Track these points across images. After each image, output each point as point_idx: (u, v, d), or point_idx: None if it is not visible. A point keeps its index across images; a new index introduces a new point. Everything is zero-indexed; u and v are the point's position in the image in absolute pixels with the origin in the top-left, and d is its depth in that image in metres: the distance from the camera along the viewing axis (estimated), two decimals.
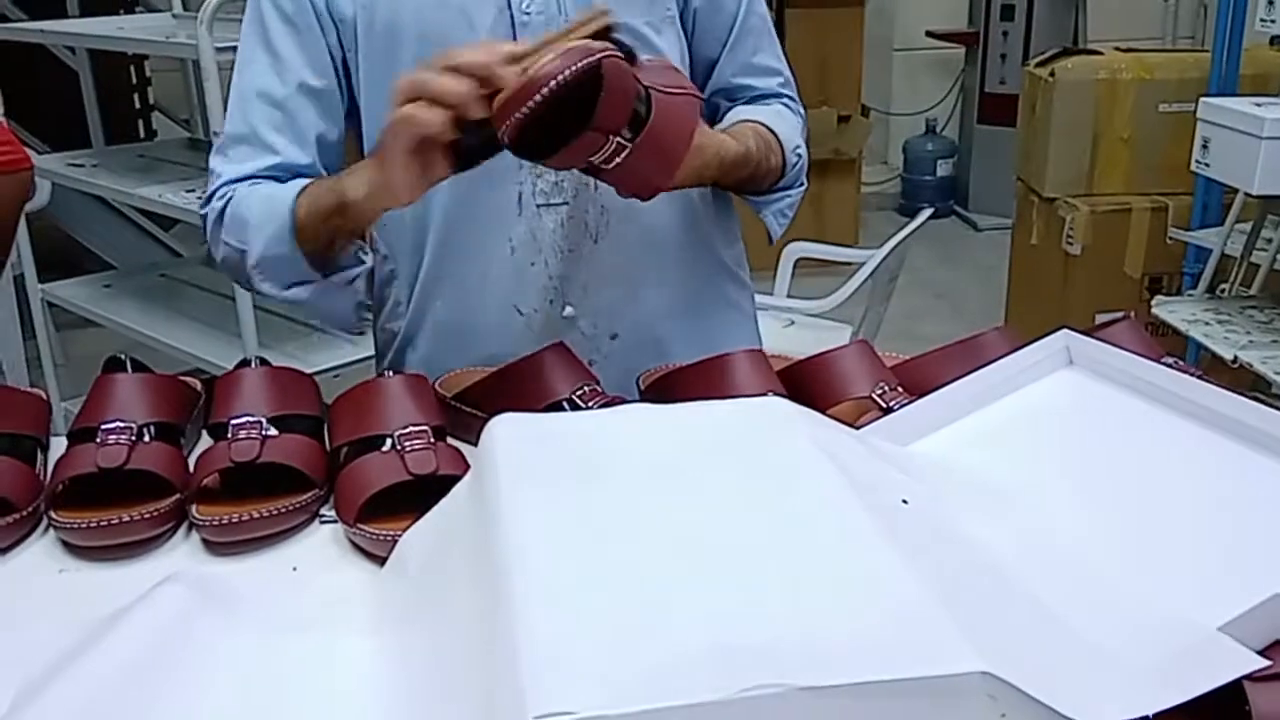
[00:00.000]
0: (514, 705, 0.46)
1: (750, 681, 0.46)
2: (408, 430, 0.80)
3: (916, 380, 0.89)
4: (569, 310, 1.06)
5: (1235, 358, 1.62)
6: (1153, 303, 1.93)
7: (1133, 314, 0.92)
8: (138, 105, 4.20)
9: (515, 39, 0.97)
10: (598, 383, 0.89)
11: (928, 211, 2.49)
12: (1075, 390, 0.83)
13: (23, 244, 2.41)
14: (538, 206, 1.03)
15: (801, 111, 1.16)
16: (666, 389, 0.89)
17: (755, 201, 1.10)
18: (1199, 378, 0.88)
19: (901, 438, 0.81)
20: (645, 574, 0.55)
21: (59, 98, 3.59)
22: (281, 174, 1.01)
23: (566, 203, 1.03)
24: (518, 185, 1.02)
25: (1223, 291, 2.01)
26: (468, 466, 0.78)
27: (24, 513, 0.79)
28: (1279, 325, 1.79)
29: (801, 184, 1.12)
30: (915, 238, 2.38)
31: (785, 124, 1.09)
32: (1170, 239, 2.39)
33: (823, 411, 0.87)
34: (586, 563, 0.56)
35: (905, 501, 0.68)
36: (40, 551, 0.79)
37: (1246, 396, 0.74)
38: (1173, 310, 1.86)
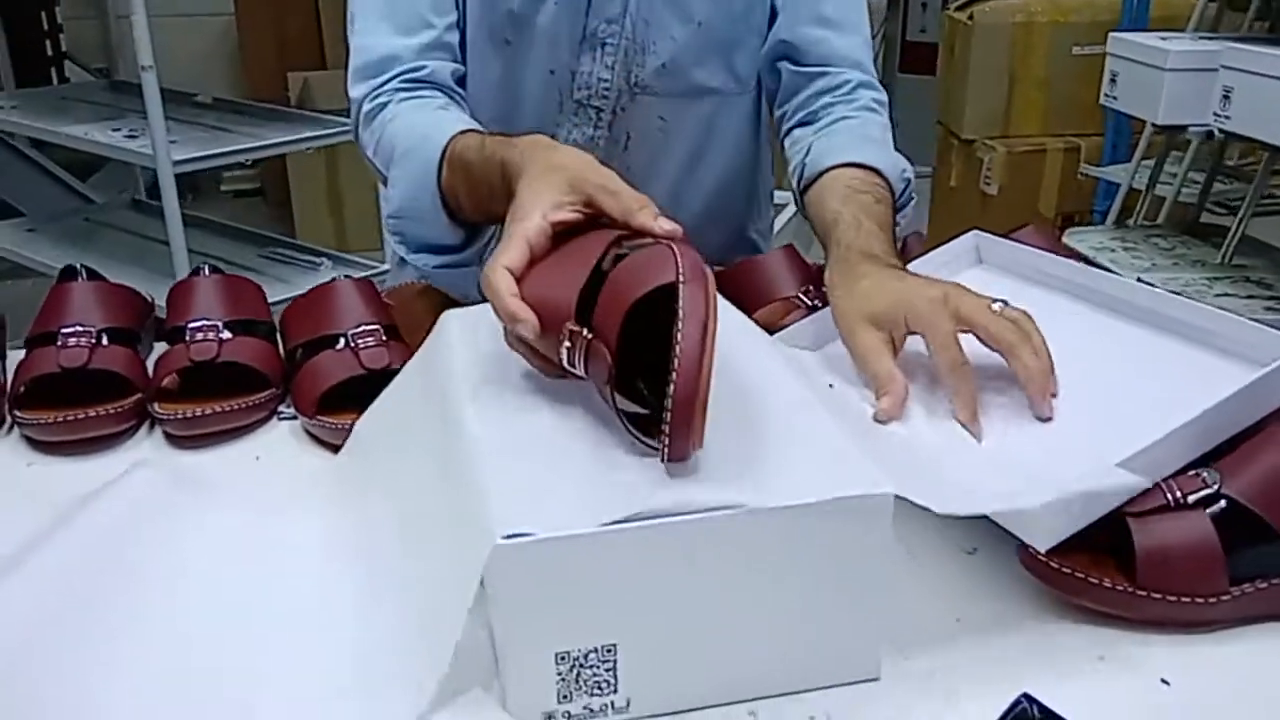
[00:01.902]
0: (483, 533, 0.51)
1: (703, 504, 0.52)
2: (360, 329, 0.84)
3: None
4: None
5: (1138, 278, 1.72)
6: (1064, 233, 2.03)
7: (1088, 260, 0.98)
8: (50, 52, 4.09)
9: None
10: None
11: None
12: (983, 285, 0.90)
13: None
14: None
15: (881, 96, 1.04)
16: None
17: None
18: None
19: (823, 335, 0.87)
20: (598, 431, 0.60)
21: None
22: (435, 55, 0.96)
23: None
24: (555, 123, 1.02)
25: (1129, 224, 2.11)
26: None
27: None
28: (1180, 251, 1.89)
29: (911, 199, 0.98)
30: None
31: (879, 146, 0.95)
32: (1081, 174, 2.49)
33: (750, 313, 0.93)
34: (540, 425, 0.61)
35: (831, 386, 0.75)
36: (6, 449, 0.82)
37: None
38: (1082, 239, 1.95)
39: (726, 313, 0.78)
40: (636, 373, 0.59)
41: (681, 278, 0.54)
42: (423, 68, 0.96)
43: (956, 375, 0.70)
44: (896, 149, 0.99)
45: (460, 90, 0.99)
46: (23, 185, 3.45)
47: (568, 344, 0.57)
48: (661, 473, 0.55)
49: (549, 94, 1.01)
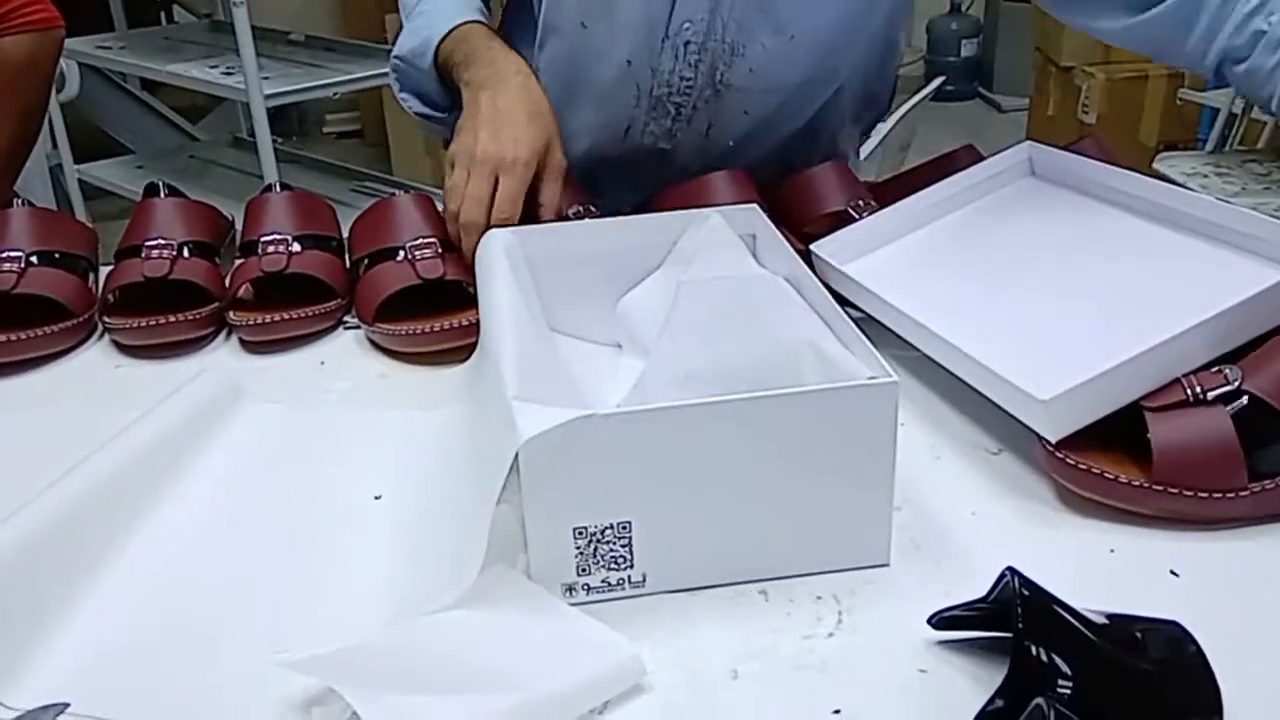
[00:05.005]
0: (513, 436, 0.54)
1: (707, 395, 0.55)
2: (418, 241, 0.88)
3: (891, 196, 0.95)
4: None
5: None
6: (1156, 159, 1.96)
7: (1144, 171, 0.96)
8: None
9: None
10: (594, 203, 0.96)
11: (939, 80, 2.51)
12: (1035, 196, 0.89)
13: (57, 129, 2.49)
14: (642, 144, 1.02)
15: None
16: (656, 207, 0.96)
17: None
18: None
19: (866, 243, 0.88)
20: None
21: None
22: None
23: (672, 149, 1.03)
24: (629, 117, 1.01)
25: (1226, 150, 2.03)
26: (471, 273, 0.86)
27: (80, 319, 0.88)
28: (1276, 176, 1.82)
29: None
30: (936, 121, 2.40)
31: None
32: (1180, 100, 2.40)
33: (800, 226, 0.94)
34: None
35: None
36: (98, 353, 0.89)
37: None
38: (1173, 164, 1.88)
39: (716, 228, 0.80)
40: None
41: None
42: None
43: None
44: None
45: None
46: (134, 125, 3.61)
47: None
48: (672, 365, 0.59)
49: (624, 85, 0.98)
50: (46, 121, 2.50)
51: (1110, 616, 0.51)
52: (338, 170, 2.61)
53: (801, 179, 0.96)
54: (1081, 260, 0.78)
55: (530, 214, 0.88)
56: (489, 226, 0.83)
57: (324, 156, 2.83)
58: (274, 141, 2.15)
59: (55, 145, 2.52)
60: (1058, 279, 0.77)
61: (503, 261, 0.75)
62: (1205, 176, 1.82)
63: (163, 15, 4.20)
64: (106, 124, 3.59)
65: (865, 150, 2.41)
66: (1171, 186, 0.81)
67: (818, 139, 1.07)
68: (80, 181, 2.57)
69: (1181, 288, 0.70)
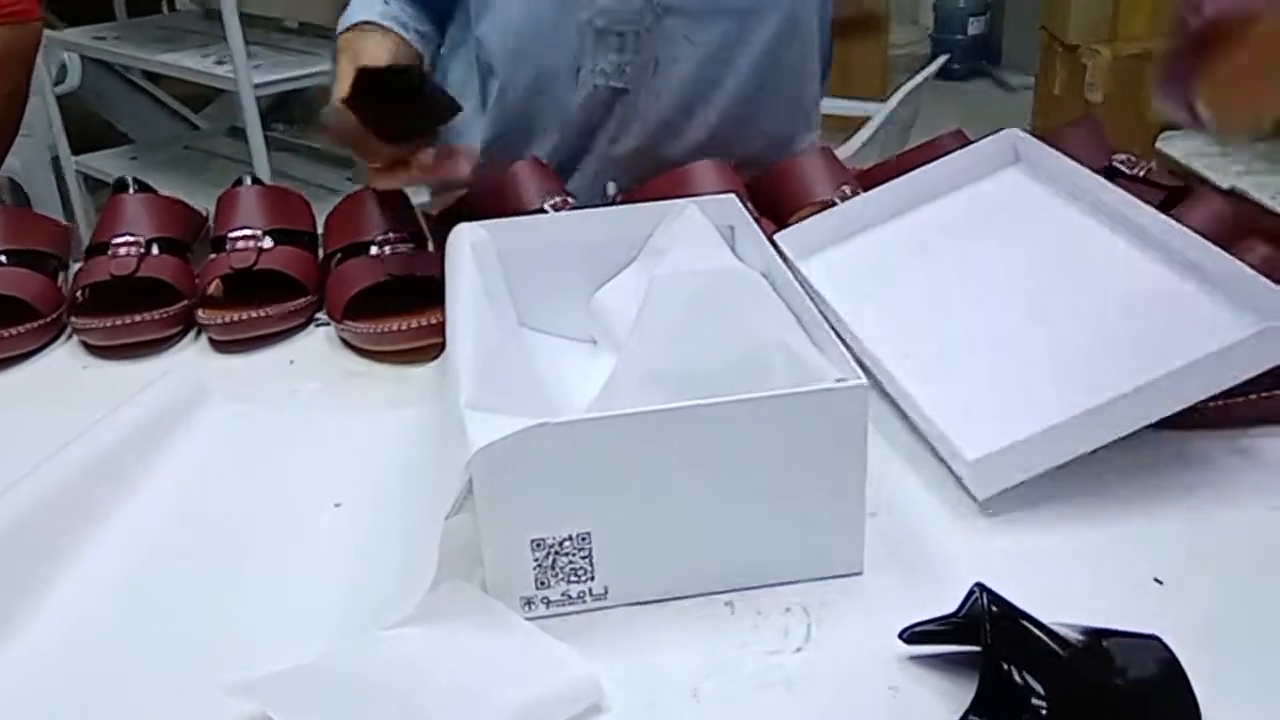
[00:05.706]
0: (465, 445, 0.52)
1: (674, 396, 0.53)
2: (389, 236, 0.86)
3: (877, 184, 0.92)
4: (612, 188, 1.05)
5: (1232, 187, 1.62)
6: (1158, 138, 1.92)
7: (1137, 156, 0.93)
8: None
9: None
10: (571, 195, 0.94)
11: (943, 59, 2.47)
12: (1012, 195, 0.85)
13: (55, 121, 2.48)
14: (595, 86, 1.00)
15: None
16: (638, 198, 0.94)
17: None
18: (1147, 172, 0.91)
19: (834, 233, 0.86)
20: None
21: None
22: None
23: (627, 89, 1.00)
24: (576, 56, 0.99)
25: None
26: (443, 269, 0.84)
27: (48, 319, 0.87)
28: None
29: None
30: (944, 100, 2.36)
31: None
32: None
33: (786, 216, 0.92)
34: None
35: None
36: (65, 354, 0.87)
37: None
38: (1176, 143, 1.85)
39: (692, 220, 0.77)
40: None
41: None
42: None
43: None
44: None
45: None
46: (136, 116, 3.58)
47: None
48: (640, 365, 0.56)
49: (564, 23, 0.97)
50: (44, 113, 2.49)
51: (1086, 631, 0.49)
52: (333, 159, 2.59)
53: (786, 166, 0.94)
54: (1048, 283, 0.74)
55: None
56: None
57: (327, 145, 2.80)
58: (275, 129, 2.13)
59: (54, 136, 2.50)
60: (1019, 303, 0.73)
61: (468, 259, 0.72)
62: (1209, 156, 1.78)
63: (165, 4, 4.18)
64: (110, 115, 3.57)
65: (867, 132, 2.39)
66: (1157, 215, 0.75)
67: (778, 80, 1.03)
68: (84, 174, 2.56)
69: (1141, 335, 0.66)
